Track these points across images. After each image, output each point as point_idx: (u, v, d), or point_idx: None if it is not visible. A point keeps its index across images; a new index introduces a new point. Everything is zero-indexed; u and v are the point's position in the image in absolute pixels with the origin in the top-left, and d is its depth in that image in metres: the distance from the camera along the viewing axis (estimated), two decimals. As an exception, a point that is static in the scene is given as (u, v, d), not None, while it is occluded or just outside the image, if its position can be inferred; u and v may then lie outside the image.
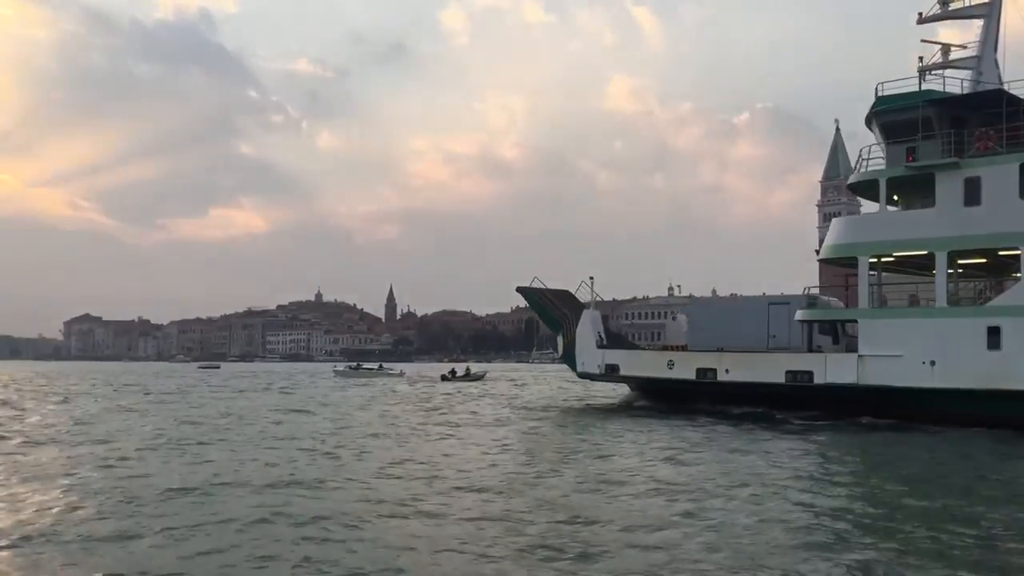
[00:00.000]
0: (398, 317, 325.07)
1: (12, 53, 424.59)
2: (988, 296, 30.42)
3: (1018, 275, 28.27)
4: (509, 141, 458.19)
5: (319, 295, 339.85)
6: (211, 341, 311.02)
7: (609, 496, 14.73)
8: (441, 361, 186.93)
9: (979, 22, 33.65)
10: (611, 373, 37.91)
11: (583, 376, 39.65)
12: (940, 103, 30.33)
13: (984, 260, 31.38)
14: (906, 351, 29.15)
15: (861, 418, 29.03)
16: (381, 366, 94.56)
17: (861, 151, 32.10)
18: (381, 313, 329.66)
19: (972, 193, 28.95)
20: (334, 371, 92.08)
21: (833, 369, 30.56)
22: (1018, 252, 28.04)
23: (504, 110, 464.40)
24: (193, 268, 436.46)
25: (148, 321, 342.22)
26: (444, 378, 75.08)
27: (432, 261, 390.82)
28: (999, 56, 32.73)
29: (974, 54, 33.31)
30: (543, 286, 42.20)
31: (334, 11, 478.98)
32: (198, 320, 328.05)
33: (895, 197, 33.36)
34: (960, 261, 31.87)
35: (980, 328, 27.99)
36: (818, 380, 30.80)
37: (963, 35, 37.73)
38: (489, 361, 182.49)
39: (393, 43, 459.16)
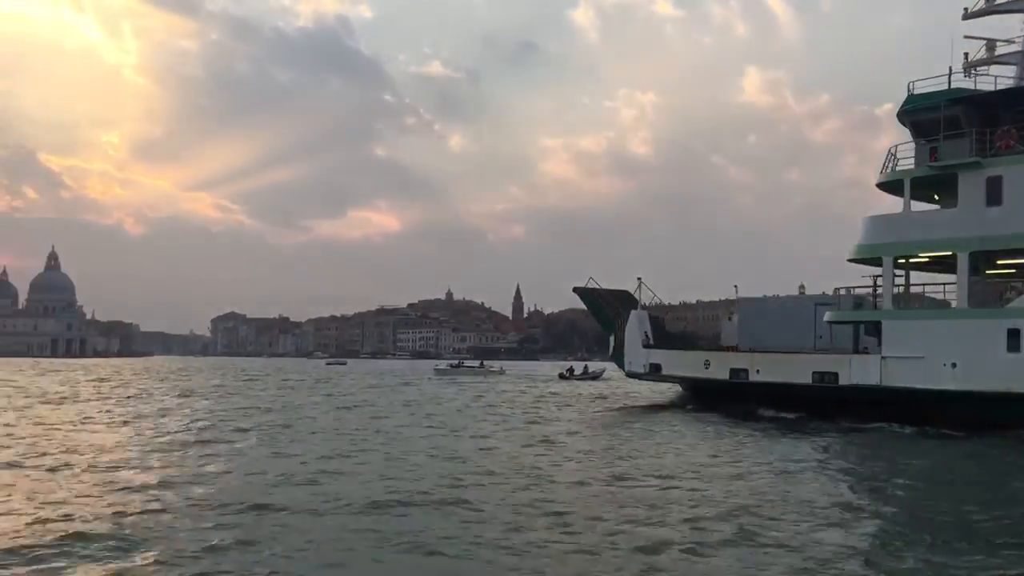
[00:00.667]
0: (525, 316, 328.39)
1: (163, 64, 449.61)
2: (1009, 298, 29.80)
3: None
4: (639, 138, 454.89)
5: (449, 294, 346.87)
6: (345, 338, 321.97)
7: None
8: (565, 359, 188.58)
9: (1022, 16, 33.03)
10: (655, 372, 38.75)
11: (630, 375, 40.60)
12: (967, 101, 29.94)
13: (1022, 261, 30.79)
14: (928, 353, 28.98)
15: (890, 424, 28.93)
16: (482, 363, 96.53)
17: (890, 149, 31.90)
18: (508, 311, 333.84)
19: (994, 193, 28.59)
20: (435, 369, 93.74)
21: (857, 370, 30.61)
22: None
23: (634, 107, 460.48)
24: (331, 267, 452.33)
25: (287, 319, 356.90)
26: (562, 376, 76.32)
27: (559, 260, 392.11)
28: None
29: (1018, 49, 32.69)
30: (598, 286, 43.32)
31: (466, 14, 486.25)
32: (333, 318, 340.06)
33: (936, 196, 33.03)
34: (1000, 261, 31.35)
35: (1001, 330, 27.64)
36: (843, 381, 30.89)
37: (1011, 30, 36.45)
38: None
39: (523, 43, 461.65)
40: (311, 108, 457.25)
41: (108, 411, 34.91)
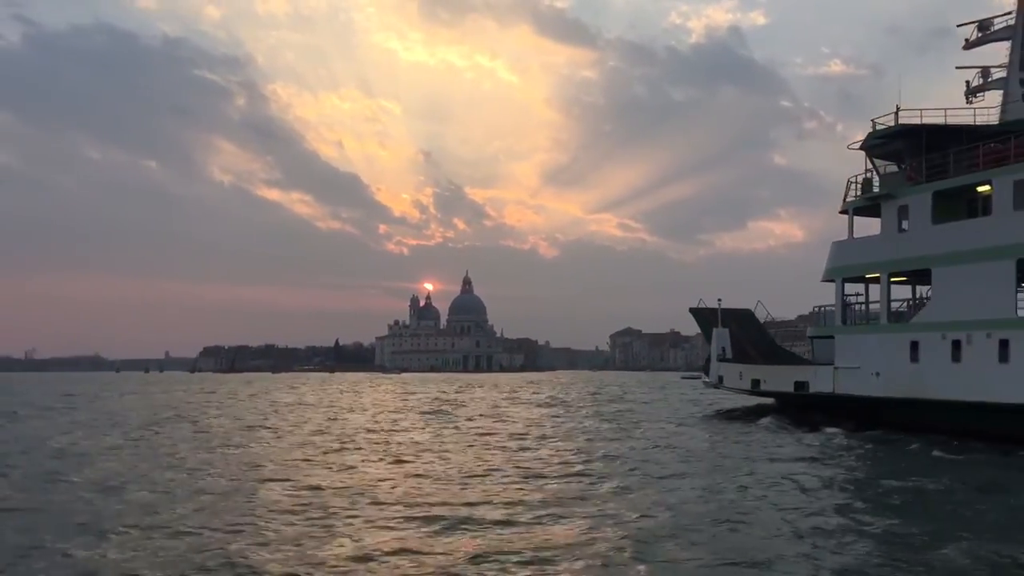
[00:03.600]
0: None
1: (567, 95, 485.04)
2: (912, 313, 32.53)
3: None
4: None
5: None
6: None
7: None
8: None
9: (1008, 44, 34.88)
10: (719, 384, 44.44)
11: (707, 386, 46.40)
12: (904, 135, 33.16)
13: None
14: (862, 364, 33.06)
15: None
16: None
17: (848, 179, 35.62)
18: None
19: (902, 220, 32.09)
20: (682, 377, 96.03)
21: (820, 380, 35.07)
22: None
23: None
24: (732, 280, 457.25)
25: (678, 333, 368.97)
26: None
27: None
28: None
29: (1003, 76, 34.74)
30: (716, 307, 49.09)
31: (867, 6, 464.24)
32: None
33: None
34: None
35: (905, 343, 31.21)
36: (811, 389, 35.47)
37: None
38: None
39: (933, 29, 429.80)
40: (706, 122, 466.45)
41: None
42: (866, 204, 33.89)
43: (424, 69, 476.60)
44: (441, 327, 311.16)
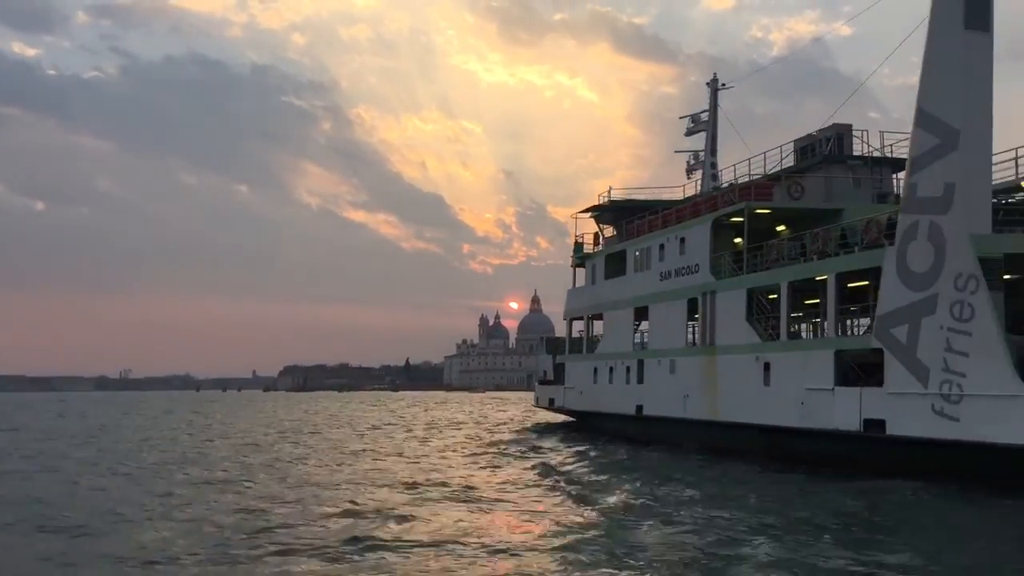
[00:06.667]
0: None
1: (647, 111, 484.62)
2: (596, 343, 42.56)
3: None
4: None
5: None
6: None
7: None
8: None
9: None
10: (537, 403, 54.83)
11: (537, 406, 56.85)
12: (611, 209, 43.36)
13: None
14: (575, 384, 43.50)
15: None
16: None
17: (576, 240, 46.01)
18: None
19: (595, 275, 42.47)
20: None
21: (561, 397, 45.60)
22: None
23: None
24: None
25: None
26: None
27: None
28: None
29: (702, 159, 44.58)
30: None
31: None
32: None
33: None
34: None
35: (591, 367, 41.60)
36: (555, 404, 46.11)
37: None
38: None
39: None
40: (791, 135, 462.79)
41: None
42: (579, 262, 44.35)
43: (504, 89, 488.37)
44: (511, 346, 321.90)
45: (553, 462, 29.53)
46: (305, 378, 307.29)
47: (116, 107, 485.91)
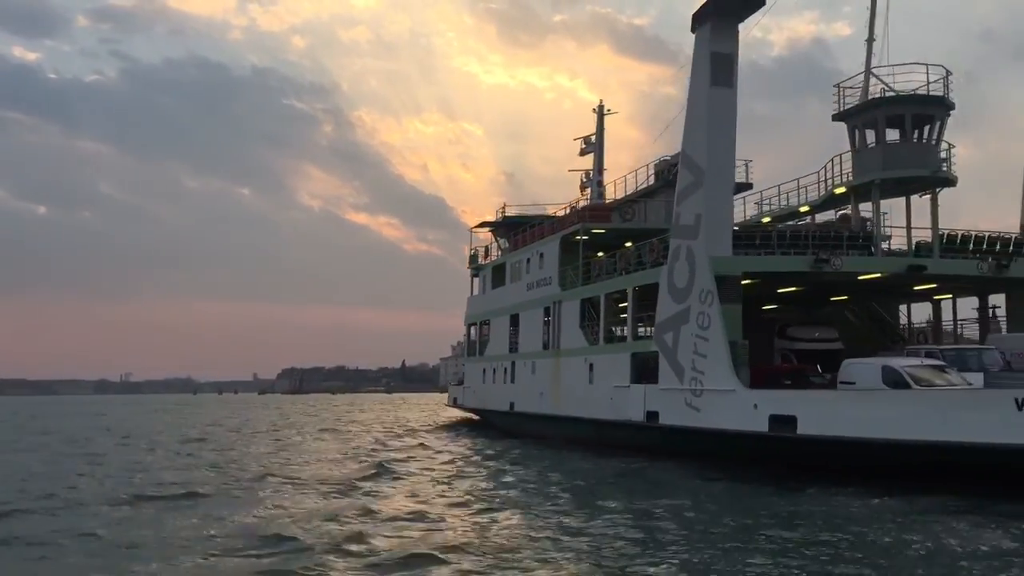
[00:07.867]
0: None
1: (648, 112, 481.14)
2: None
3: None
4: None
5: None
6: None
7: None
8: None
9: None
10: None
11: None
12: (504, 224, 47.62)
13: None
14: (471, 383, 47.83)
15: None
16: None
17: (476, 251, 50.33)
18: None
19: (484, 285, 46.87)
20: None
21: (462, 396, 49.90)
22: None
23: None
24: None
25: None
26: None
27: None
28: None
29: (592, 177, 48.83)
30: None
31: (958, 12, 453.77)
32: None
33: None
34: None
35: (480, 369, 45.92)
36: (459, 403, 50.51)
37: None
38: None
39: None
40: (789, 137, 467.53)
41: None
42: (475, 272, 48.73)
43: (504, 91, 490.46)
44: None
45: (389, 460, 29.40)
46: (301, 380, 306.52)
47: (117, 110, 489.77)
